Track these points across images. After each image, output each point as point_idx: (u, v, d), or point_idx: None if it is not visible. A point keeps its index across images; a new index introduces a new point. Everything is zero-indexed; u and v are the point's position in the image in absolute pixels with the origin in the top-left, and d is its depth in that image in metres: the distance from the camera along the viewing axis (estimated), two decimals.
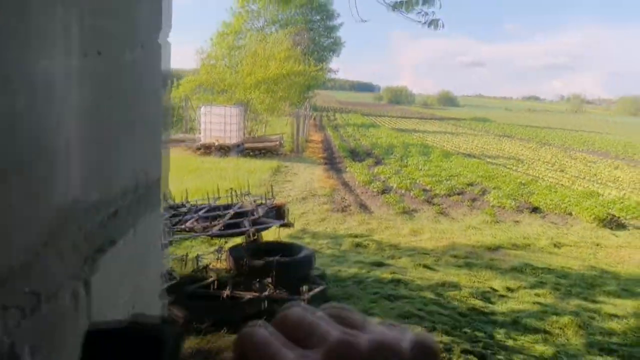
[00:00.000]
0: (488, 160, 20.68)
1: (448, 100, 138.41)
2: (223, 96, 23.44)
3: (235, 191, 5.58)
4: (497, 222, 9.33)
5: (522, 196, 11.46)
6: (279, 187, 11.76)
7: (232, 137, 18.29)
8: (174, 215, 4.90)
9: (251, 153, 18.32)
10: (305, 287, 4.69)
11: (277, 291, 4.79)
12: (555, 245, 7.64)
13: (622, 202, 10.33)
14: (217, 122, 18.05)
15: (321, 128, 36.25)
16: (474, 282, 5.98)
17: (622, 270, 6.51)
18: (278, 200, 6.15)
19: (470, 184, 13.26)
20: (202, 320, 4.49)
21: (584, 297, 5.42)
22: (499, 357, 4.13)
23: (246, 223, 4.66)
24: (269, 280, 4.69)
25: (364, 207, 10.40)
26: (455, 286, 5.76)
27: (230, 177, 12.44)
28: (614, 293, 5.53)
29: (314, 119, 43.47)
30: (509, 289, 5.75)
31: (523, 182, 13.67)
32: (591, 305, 5.18)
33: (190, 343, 4.18)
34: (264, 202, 5.35)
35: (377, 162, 17.48)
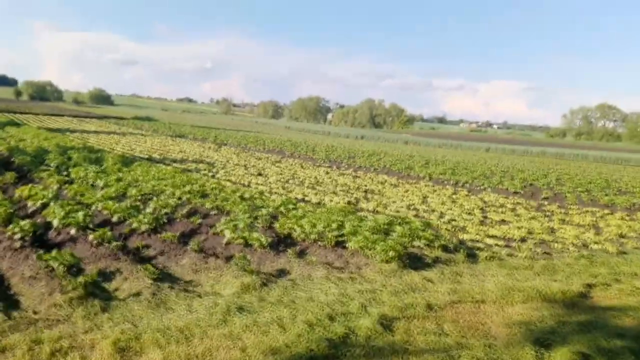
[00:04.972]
0: (176, 165, 16.76)
1: (102, 98, 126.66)
2: None
3: None
4: (265, 284, 5.48)
5: (259, 219, 8.09)
6: None
7: None
8: None
9: None
10: None
11: None
12: (384, 326, 4.41)
13: (425, 230, 7.81)
14: None
15: None
16: None
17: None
18: None
19: (181, 205, 8.99)
20: None
21: None
22: None
23: None
24: None
25: None
26: None
27: None
28: None
29: None
30: None
31: (245, 196, 10.39)
32: None
33: None
34: None
35: (21, 178, 10.99)
